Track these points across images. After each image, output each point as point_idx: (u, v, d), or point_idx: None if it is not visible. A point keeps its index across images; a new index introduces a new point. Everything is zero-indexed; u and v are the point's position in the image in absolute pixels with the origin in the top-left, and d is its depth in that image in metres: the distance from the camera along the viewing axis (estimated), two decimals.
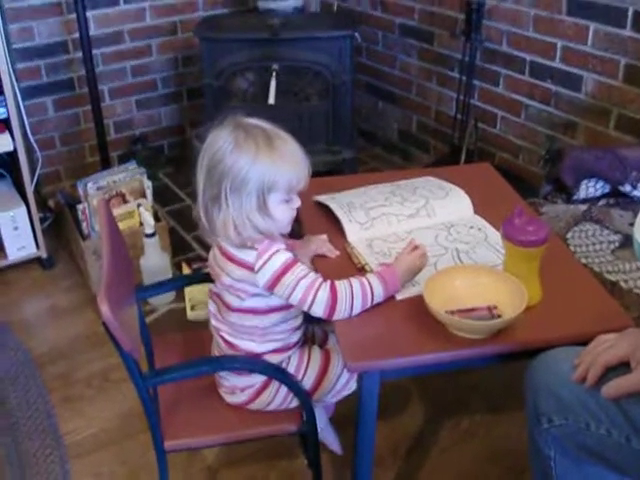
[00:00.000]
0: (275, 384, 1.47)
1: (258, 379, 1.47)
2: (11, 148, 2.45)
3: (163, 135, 3.37)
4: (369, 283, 1.34)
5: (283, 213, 1.35)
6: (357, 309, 1.34)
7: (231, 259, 1.36)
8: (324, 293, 1.33)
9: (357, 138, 3.31)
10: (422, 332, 1.30)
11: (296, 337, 1.50)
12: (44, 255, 2.66)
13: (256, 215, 1.32)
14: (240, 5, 3.31)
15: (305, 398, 1.45)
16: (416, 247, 1.42)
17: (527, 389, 1.21)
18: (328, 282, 1.35)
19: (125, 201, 2.54)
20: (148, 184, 2.59)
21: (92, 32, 2.84)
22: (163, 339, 1.72)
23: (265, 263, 1.33)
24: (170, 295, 2.46)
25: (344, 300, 1.33)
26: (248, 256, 1.34)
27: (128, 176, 2.58)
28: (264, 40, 2.78)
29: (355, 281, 1.35)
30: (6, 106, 2.40)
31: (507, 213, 1.36)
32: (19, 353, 2.25)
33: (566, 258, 1.54)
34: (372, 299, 1.34)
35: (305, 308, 1.35)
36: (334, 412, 1.79)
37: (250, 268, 1.34)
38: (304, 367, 1.50)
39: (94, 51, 2.80)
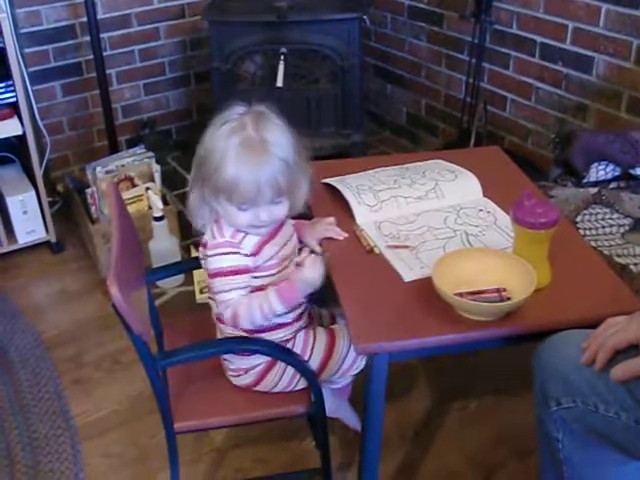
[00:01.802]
0: (280, 365, 1.48)
1: (261, 360, 1.47)
2: (20, 132, 2.45)
3: (171, 119, 3.37)
4: (269, 302, 1.36)
5: (239, 217, 1.36)
6: (258, 322, 1.38)
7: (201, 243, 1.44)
8: (230, 310, 1.37)
9: (366, 122, 3.30)
10: (431, 314, 1.30)
11: (293, 329, 1.51)
12: (53, 239, 2.67)
13: (220, 206, 1.37)
14: None
15: (312, 378, 1.45)
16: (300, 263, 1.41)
17: (535, 371, 1.21)
18: (230, 304, 1.37)
19: (134, 185, 2.55)
20: (156, 168, 2.60)
21: (99, 16, 2.83)
22: (172, 322, 1.73)
23: (212, 257, 1.39)
24: (179, 278, 2.47)
25: (245, 318, 1.37)
26: (207, 236, 1.41)
27: (136, 160, 2.58)
28: (272, 23, 2.77)
29: (254, 301, 1.36)
30: (15, 90, 2.41)
31: (517, 196, 1.35)
32: (29, 336, 2.27)
33: (576, 241, 1.53)
34: (271, 313, 1.37)
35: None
36: (350, 394, 1.78)
37: (205, 246, 1.42)
38: (310, 348, 1.51)
39: (102, 35, 2.79)
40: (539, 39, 2.62)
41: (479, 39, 2.73)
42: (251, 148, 1.30)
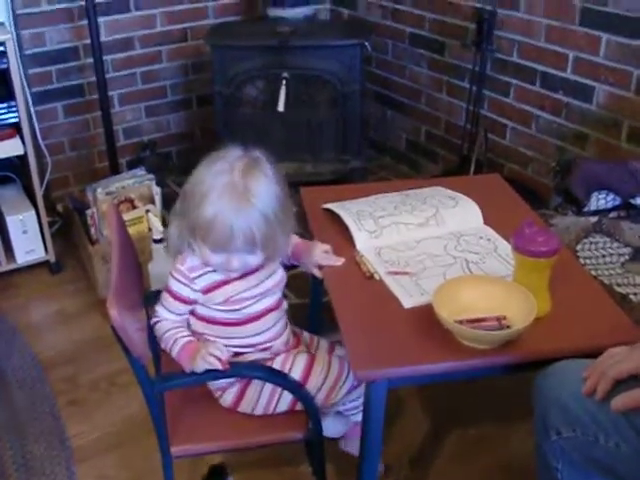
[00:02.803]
0: (257, 385, 1.47)
1: (231, 379, 1.47)
2: (21, 152, 2.46)
3: (172, 142, 3.38)
4: (172, 345, 1.41)
5: (211, 258, 1.37)
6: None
7: None
8: (153, 320, 1.46)
9: (366, 147, 3.32)
10: (430, 341, 1.29)
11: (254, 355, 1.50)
12: (52, 259, 2.67)
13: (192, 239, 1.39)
14: (250, 13, 3.32)
15: (309, 403, 1.44)
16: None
17: (535, 401, 1.21)
18: (157, 320, 1.45)
19: (134, 207, 2.55)
20: (157, 190, 2.60)
21: (103, 38, 2.85)
22: None
23: (170, 275, 1.43)
24: None
25: (157, 334, 1.45)
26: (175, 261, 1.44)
27: (137, 182, 2.59)
28: (274, 48, 2.79)
29: (169, 332, 1.42)
30: (17, 111, 2.42)
31: (517, 224, 1.36)
32: (26, 356, 2.26)
33: (576, 270, 1.53)
34: (170, 352, 1.42)
35: None
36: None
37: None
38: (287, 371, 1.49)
39: (104, 57, 2.81)
40: (540, 68, 2.64)
41: (480, 67, 2.75)
42: (232, 194, 1.29)
